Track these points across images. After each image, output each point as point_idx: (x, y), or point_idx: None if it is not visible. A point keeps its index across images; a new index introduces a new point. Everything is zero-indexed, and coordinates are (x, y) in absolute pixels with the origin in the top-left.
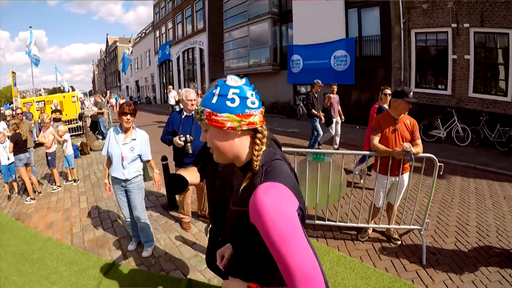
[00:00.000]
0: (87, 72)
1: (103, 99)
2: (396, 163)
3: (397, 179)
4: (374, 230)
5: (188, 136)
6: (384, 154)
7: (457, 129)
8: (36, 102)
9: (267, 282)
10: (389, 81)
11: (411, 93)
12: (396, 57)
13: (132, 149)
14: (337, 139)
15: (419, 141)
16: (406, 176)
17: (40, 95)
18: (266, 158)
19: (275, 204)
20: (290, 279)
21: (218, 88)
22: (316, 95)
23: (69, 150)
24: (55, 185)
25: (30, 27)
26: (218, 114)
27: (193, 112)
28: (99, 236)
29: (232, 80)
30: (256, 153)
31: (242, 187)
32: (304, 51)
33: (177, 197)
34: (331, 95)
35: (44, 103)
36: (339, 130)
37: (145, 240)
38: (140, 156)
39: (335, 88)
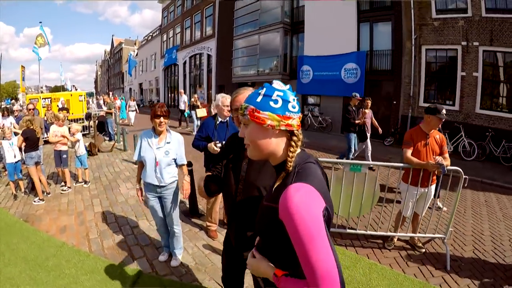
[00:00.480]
0: (90, 72)
1: (108, 100)
2: (426, 175)
3: (426, 190)
4: (398, 238)
5: (224, 142)
6: (417, 167)
7: (464, 144)
8: (42, 99)
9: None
10: (399, 95)
11: (444, 110)
12: (406, 72)
13: (167, 153)
14: (369, 154)
15: (447, 155)
16: (433, 187)
17: (42, 92)
18: (299, 160)
19: (304, 203)
20: (310, 274)
21: (264, 89)
22: (354, 108)
23: (81, 150)
24: (65, 185)
25: (40, 22)
26: (261, 112)
27: (227, 118)
28: (120, 243)
29: (278, 84)
30: (290, 154)
31: (275, 185)
32: (315, 62)
33: (199, 205)
34: (366, 110)
35: (50, 101)
36: (369, 145)
37: (174, 248)
38: (175, 160)
39: (369, 102)
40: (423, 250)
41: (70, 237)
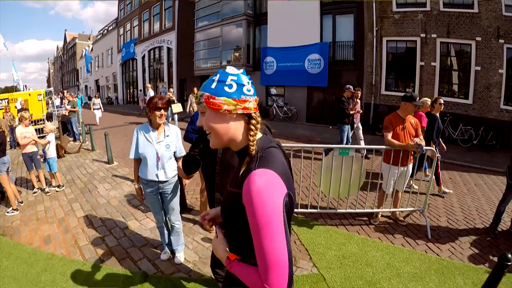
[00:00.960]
0: (41, 70)
1: (70, 98)
2: (406, 155)
3: (405, 168)
4: (382, 214)
5: None
6: (397, 148)
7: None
8: None
9: (247, 261)
10: (361, 84)
11: (418, 98)
12: (368, 62)
13: (168, 146)
14: (362, 144)
15: (421, 137)
16: (410, 166)
17: None
18: (262, 144)
19: (265, 190)
20: (261, 262)
21: (218, 75)
22: (346, 99)
23: (52, 152)
24: (34, 188)
25: None
26: (216, 98)
27: None
28: (115, 247)
29: (231, 69)
30: (251, 138)
31: (240, 171)
32: (278, 53)
33: (187, 200)
34: (357, 100)
35: (8, 101)
36: (361, 135)
37: (177, 244)
38: (174, 153)
39: (359, 93)
40: (405, 223)
41: (57, 247)
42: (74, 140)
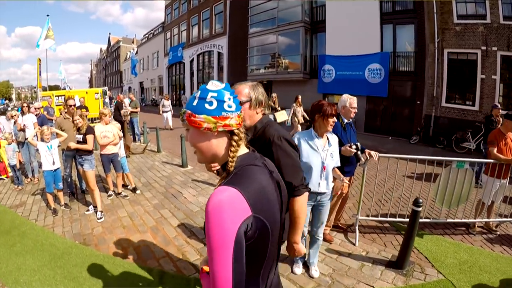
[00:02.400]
0: (82, 71)
1: (133, 98)
2: (507, 168)
3: (506, 181)
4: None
5: (358, 144)
6: (503, 162)
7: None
8: (55, 96)
9: None
10: (422, 96)
11: None
12: (429, 74)
13: (331, 155)
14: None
15: None
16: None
17: (35, 92)
18: (243, 162)
19: (218, 209)
20: (211, 280)
21: (199, 92)
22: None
23: (122, 151)
24: (109, 191)
25: (48, 15)
26: (196, 115)
27: (351, 120)
28: None
29: (213, 85)
30: (231, 154)
31: (216, 187)
32: (337, 61)
33: None
34: (500, 118)
35: (64, 98)
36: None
37: (313, 258)
38: None
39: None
40: (498, 233)
41: (163, 263)
42: (134, 140)
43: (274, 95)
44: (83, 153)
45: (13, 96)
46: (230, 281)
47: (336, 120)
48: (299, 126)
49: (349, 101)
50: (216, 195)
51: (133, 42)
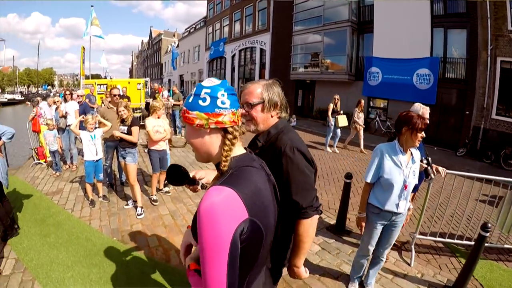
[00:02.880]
0: (123, 62)
1: (176, 91)
2: None
3: None
4: None
5: (429, 158)
6: None
7: None
8: (97, 85)
9: None
10: (472, 106)
11: None
12: (480, 83)
13: (414, 173)
14: None
15: None
16: None
17: (77, 79)
18: (239, 162)
19: (214, 210)
20: (203, 281)
21: (195, 88)
22: None
23: (166, 146)
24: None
25: (92, 6)
26: (190, 112)
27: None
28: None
29: (208, 81)
30: (224, 153)
31: (209, 186)
32: (385, 64)
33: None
34: None
35: (106, 87)
36: None
37: (372, 278)
38: None
39: None
40: None
41: None
42: (175, 133)
43: (336, 96)
44: (127, 146)
45: (56, 83)
46: (224, 282)
47: (424, 135)
48: (361, 132)
49: (422, 111)
50: (210, 195)
51: (174, 36)
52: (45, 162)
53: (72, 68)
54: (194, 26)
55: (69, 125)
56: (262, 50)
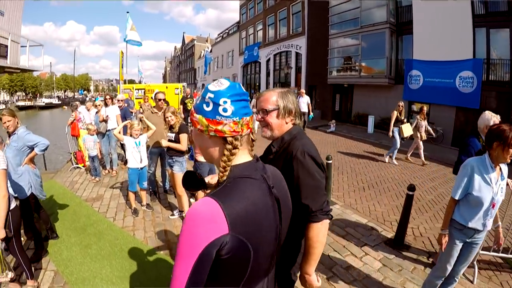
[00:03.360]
0: (156, 68)
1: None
2: None
3: None
4: None
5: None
6: None
7: None
8: (135, 90)
9: None
10: None
11: None
12: None
13: (502, 190)
14: None
15: None
16: None
17: (112, 85)
18: (237, 173)
19: (192, 222)
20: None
21: (203, 90)
22: None
23: None
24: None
25: (128, 12)
26: (194, 114)
27: None
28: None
29: (215, 84)
30: (222, 163)
31: (205, 194)
32: (426, 67)
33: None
34: None
35: (144, 92)
36: None
37: None
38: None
39: None
40: None
41: None
42: None
43: (401, 104)
44: (174, 154)
45: (91, 88)
46: (183, 286)
47: None
48: (420, 142)
49: (493, 119)
50: (197, 204)
51: (207, 41)
52: (83, 166)
53: (107, 74)
54: (227, 31)
55: (109, 130)
56: (297, 54)
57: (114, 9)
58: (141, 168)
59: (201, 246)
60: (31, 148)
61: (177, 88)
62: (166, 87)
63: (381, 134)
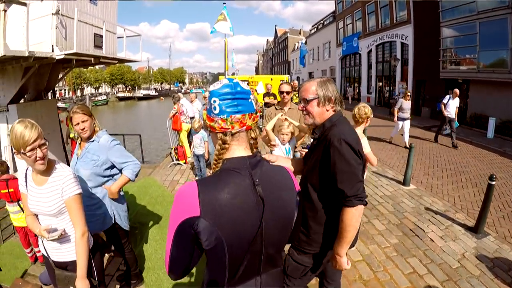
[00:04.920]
0: (247, 61)
1: None
2: None
3: None
4: None
5: None
6: None
7: None
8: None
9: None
10: None
11: None
12: None
13: None
14: None
15: None
16: None
17: (206, 78)
18: (227, 165)
19: (176, 199)
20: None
21: None
22: None
23: None
24: None
25: (224, 3)
26: (205, 109)
27: None
28: None
29: (214, 84)
30: (215, 157)
31: None
32: None
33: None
34: None
35: (247, 84)
36: None
37: None
38: None
39: None
40: None
41: None
42: None
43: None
44: None
45: (186, 80)
46: (168, 253)
47: None
48: None
49: None
50: (183, 185)
51: (299, 33)
52: (184, 163)
53: (201, 68)
54: (322, 22)
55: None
56: (403, 45)
57: (204, 7)
58: None
59: (177, 222)
60: (114, 167)
61: (282, 80)
62: (271, 79)
63: (504, 140)
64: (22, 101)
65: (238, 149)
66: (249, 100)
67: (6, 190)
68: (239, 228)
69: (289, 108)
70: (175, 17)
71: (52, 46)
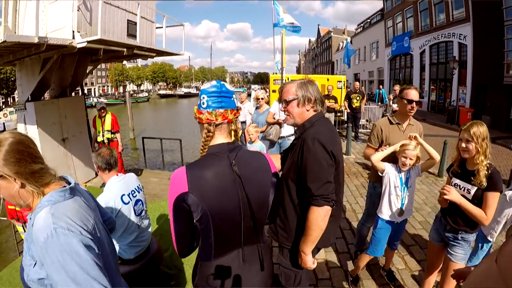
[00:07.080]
0: (288, 61)
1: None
2: None
3: None
4: None
5: None
6: None
7: None
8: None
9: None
10: None
11: None
12: None
13: None
14: None
15: None
16: None
17: (247, 77)
18: (210, 151)
19: (171, 182)
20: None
21: None
22: None
23: None
24: None
25: None
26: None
27: None
28: None
29: (205, 84)
30: (202, 143)
31: None
32: None
33: None
34: None
35: (323, 82)
36: None
37: None
38: None
39: None
40: None
41: None
42: (356, 138)
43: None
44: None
45: (227, 79)
46: (173, 229)
47: None
48: None
49: None
50: (176, 170)
51: (343, 33)
52: None
53: (241, 67)
54: (368, 20)
55: (283, 137)
56: (461, 45)
57: (243, 8)
58: (399, 223)
59: (172, 199)
60: None
61: (340, 81)
62: (328, 79)
63: None
64: (48, 97)
65: (220, 138)
66: (232, 99)
67: (14, 207)
68: (220, 201)
69: (408, 124)
70: (216, 17)
71: (73, 32)
